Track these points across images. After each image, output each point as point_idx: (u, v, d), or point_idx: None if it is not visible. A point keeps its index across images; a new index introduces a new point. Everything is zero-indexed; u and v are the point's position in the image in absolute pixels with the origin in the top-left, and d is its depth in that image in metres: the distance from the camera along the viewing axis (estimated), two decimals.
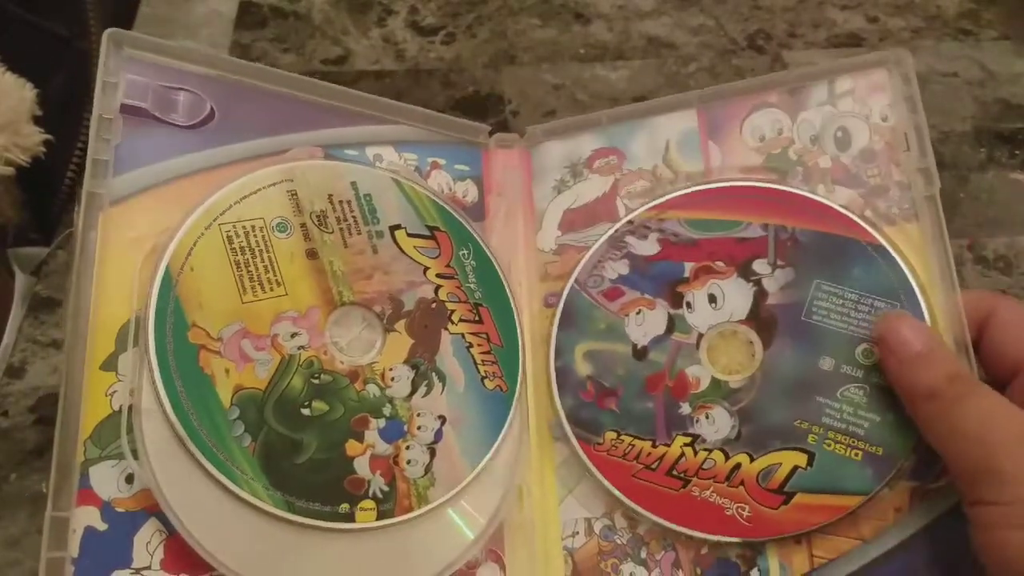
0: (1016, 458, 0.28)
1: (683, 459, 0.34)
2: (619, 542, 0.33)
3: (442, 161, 0.39)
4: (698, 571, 0.32)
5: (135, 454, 0.29)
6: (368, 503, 0.31)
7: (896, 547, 0.31)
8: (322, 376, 0.32)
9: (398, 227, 0.36)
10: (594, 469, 0.34)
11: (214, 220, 0.33)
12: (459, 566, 0.32)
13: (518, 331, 0.36)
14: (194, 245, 0.32)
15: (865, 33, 0.49)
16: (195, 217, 0.33)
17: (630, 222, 0.37)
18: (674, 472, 0.34)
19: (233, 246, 0.33)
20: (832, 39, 0.48)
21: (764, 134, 0.37)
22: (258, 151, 0.35)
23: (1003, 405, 0.29)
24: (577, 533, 0.34)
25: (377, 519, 0.31)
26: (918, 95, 0.35)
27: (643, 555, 0.33)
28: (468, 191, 0.39)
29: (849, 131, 0.36)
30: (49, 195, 0.46)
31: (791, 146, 0.37)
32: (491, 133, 0.41)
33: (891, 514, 0.32)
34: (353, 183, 0.36)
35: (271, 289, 0.33)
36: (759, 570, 0.32)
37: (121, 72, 0.34)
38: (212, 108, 0.35)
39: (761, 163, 0.37)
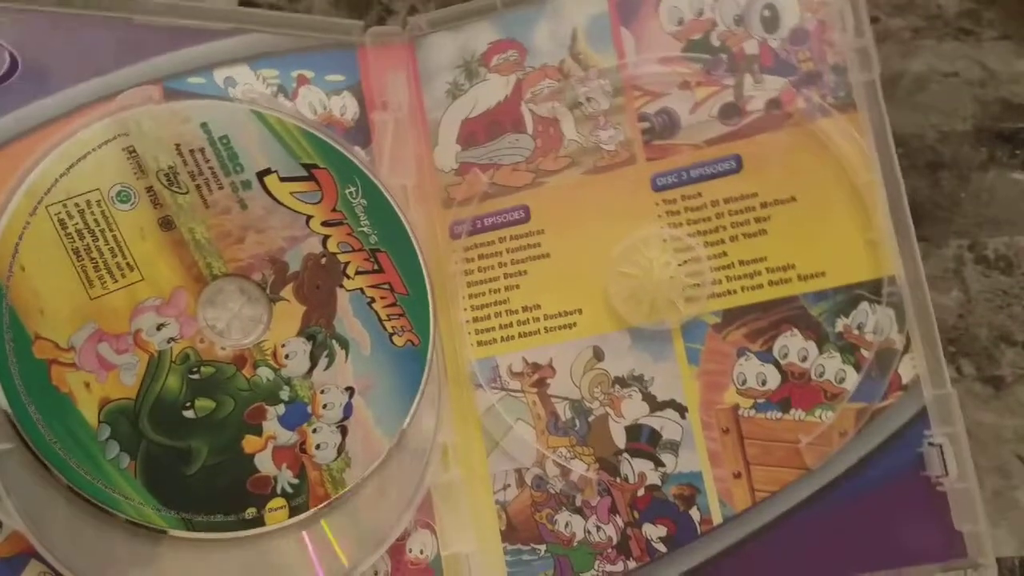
0: None
1: None
2: (552, 491, 0.31)
3: (310, 73, 0.33)
4: (635, 514, 0.31)
5: None
6: (278, 501, 0.28)
7: (842, 475, 0.30)
8: (202, 369, 0.28)
9: (267, 172, 0.30)
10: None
11: (39, 202, 0.27)
12: (390, 543, 0.30)
13: (424, 274, 0.32)
14: (20, 239, 0.27)
15: None
16: (15, 202, 0.27)
17: None
18: None
19: (68, 231, 0.27)
20: None
21: (683, 16, 0.32)
22: (80, 100, 0.29)
23: None
24: (508, 486, 0.32)
25: (290, 516, 0.28)
26: None
27: (578, 503, 0.31)
28: (346, 107, 0.33)
29: (777, 9, 0.31)
30: None
31: (713, 29, 0.32)
32: (366, 28, 0.34)
33: (836, 439, 0.30)
34: (203, 124, 0.30)
35: (122, 276, 0.28)
36: (698, 508, 0.30)
37: None
38: (12, 56, 0.28)
39: (680, 51, 0.32)
